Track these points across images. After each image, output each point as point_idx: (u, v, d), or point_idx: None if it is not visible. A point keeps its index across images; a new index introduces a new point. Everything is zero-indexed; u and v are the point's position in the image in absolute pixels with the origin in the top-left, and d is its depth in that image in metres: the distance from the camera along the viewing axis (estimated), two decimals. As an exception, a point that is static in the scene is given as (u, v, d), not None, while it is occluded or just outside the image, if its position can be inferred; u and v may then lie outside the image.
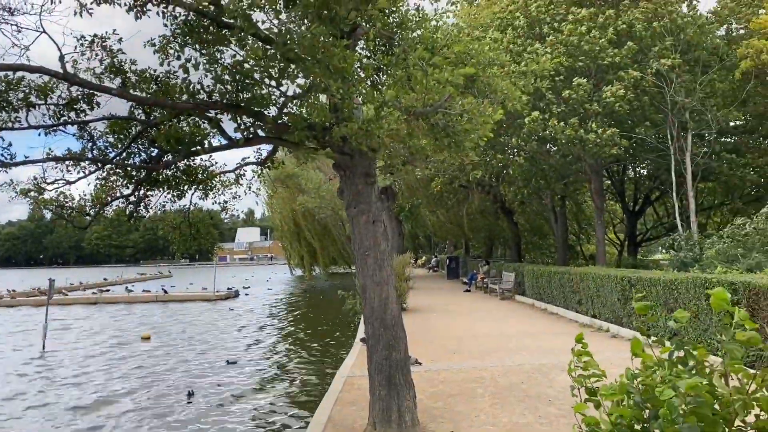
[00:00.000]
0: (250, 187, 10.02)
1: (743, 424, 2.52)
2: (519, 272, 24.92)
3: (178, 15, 7.32)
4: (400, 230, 37.12)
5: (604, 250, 24.88)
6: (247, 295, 43.69)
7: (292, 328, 24.88)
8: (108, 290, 47.79)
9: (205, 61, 6.81)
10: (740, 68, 21.02)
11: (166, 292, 42.10)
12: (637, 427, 2.66)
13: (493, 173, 26.81)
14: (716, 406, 2.54)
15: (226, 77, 6.81)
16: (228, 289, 44.11)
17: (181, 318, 29.60)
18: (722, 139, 25.16)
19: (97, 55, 7.78)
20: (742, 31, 24.43)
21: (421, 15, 8.67)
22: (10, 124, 7.08)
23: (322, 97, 7.92)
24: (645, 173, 31.97)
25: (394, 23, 8.25)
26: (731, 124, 25.27)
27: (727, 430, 2.50)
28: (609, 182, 33.85)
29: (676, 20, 21.23)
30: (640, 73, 20.21)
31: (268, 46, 6.86)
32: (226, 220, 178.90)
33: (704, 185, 28.79)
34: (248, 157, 9.18)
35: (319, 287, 48.28)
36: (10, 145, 7.06)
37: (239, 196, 10.30)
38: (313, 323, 25.89)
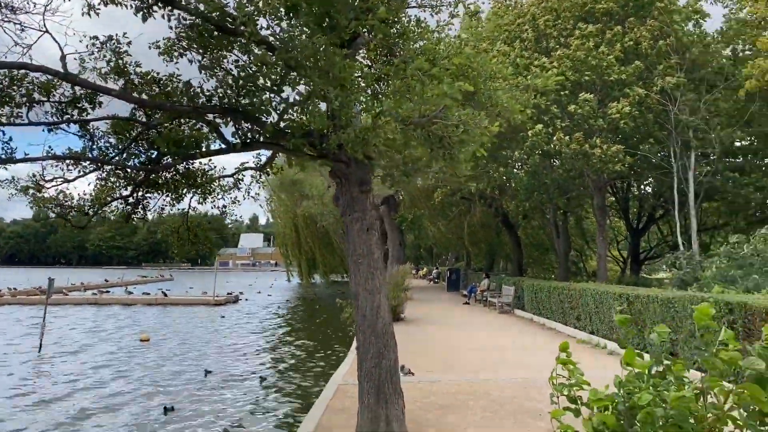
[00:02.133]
0: (249, 192, 10.04)
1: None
2: (518, 286, 24.85)
3: (183, 19, 7.38)
4: (402, 240, 37.09)
5: (606, 266, 24.78)
6: (246, 300, 43.66)
7: (289, 336, 24.82)
8: (108, 291, 47.85)
9: (207, 64, 6.87)
10: (745, 88, 21.00)
11: (165, 295, 42.13)
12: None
13: (495, 186, 26.80)
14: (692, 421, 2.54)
15: (229, 81, 6.86)
16: (228, 293, 44.10)
17: (178, 321, 29.59)
18: (726, 159, 25.07)
19: (104, 56, 7.85)
20: (748, 52, 24.42)
21: (423, 27, 8.71)
22: (12, 120, 7.12)
23: (322, 105, 7.95)
24: (649, 191, 31.90)
25: (396, 34, 8.29)
26: (737, 144, 25.23)
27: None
28: (613, 199, 33.80)
29: (681, 39, 21.29)
30: (645, 90, 20.24)
31: (270, 53, 6.91)
32: (230, 225, 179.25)
33: (709, 205, 28.70)
34: (247, 162, 9.22)
35: (319, 295, 48.23)
36: (10, 139, 7.09)
37: (238, 201, 10.32)
38: (311, 331, 25.85)
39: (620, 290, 15.05)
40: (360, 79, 8.47)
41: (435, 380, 10.72)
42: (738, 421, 2.40)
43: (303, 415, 9.77)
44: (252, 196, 10.16)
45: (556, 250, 31.41)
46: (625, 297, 14.31)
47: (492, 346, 15.25)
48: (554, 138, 19.71)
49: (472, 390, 9.95)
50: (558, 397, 2.93)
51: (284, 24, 6.77)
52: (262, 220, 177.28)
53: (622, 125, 19.54)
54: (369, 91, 8.71)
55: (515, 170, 24.67)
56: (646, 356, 2.95)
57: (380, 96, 8.18)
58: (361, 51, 8.79)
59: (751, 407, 2.35)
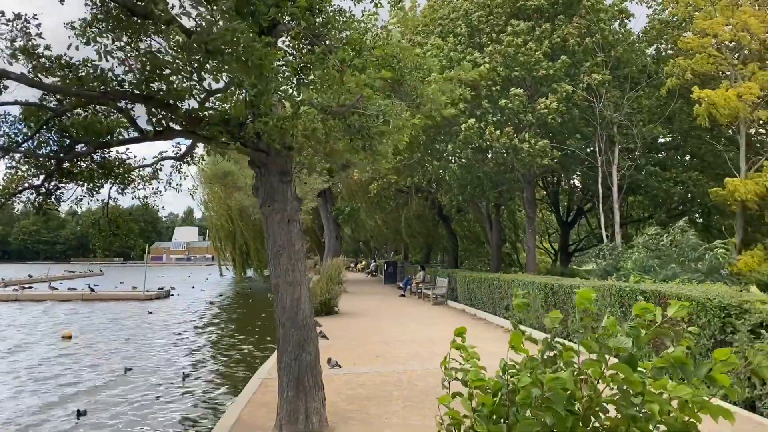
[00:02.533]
0: (170, 183, 9.73)
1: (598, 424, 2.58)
2: (452, 278, 25.21)
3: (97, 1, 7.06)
4: (338, 233, 36.94)
5: (535, 258, 25.46)
6: (178, 295, 42.61)
7: (217, 331, 24.36)
8: (30, 287, 45.69)
9: (116, 48, 6.60)
10: (666, 86, 21.90)
11: (92, 290, 40.53)
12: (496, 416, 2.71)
13: (431, 179, 27.08)
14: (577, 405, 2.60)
15: (138, 66, 6.61)
16: (159, 288, 42.91)
17: (104, 317, 28.50)
18: (649, 155, 26.10)
19: (11, 33, 7.40)
20: (670, 51, 25.50)
21: (347, 16, 8.65)
22: None
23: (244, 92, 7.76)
24: (577, 185, 32.90)
25: (320, 23, 8.19)
26: (660, 140, 26.32)
27: (581, 425, 2.54)
28: (544, 192, 34.71)
29: (607, 37, 22.00)
30: (572, 86, 20.83)
31: (187, 38, 6.69)
32: (164, 219, 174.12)
33: (634, 198, 29.80)
34: (166, 152, 8.92)
35: (254, 289, 47.56)
36: None
37: (160, 192, 9.98)
38: (240, 325, 25.45)
39: (545, 281, 15.48)
40: (284, 68, 8.34)
41: (362, 372, 10.73)
42: (613, 402, 2.47)
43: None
44: (173, 187, 9.85)
45: (490, 242, 32.02)
46: (549, 287, 14.72)
47: (422, 337, 15.40)
48: (486, 132, 20.04)
49: (398, 380, 10.02)
50: (449, 383, 2.95)
51: (202, 8, 6.58)
52: (198, 214, 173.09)
53: (550, 120, 20.05)
54: (294, 81, 8.60)
55: (450, 164, 24.96)
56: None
57: (304, 85, 8.09)
58: (285, 40, 8.66)
59: (625, 387, 2.42)
